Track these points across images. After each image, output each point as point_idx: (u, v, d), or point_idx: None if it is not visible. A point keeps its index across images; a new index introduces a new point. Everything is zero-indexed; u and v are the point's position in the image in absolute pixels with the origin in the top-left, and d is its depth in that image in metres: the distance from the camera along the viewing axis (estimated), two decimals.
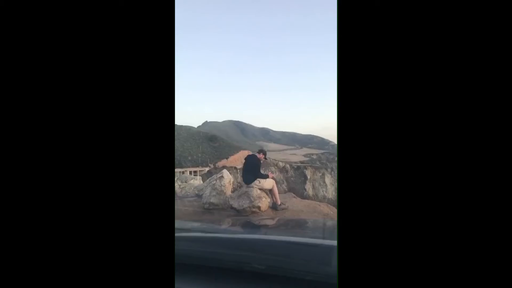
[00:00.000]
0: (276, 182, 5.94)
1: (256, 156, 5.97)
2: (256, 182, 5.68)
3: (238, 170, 41.84)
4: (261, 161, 5.90)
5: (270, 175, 5.99)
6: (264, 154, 6.01)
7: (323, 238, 1.41)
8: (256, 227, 1.84)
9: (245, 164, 5.93)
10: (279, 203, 5.69)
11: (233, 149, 74.62)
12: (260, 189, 5.77)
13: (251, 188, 5.73)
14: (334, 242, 0.93)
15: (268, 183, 5.71)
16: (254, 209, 5.39)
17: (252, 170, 5.72)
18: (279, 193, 5.80)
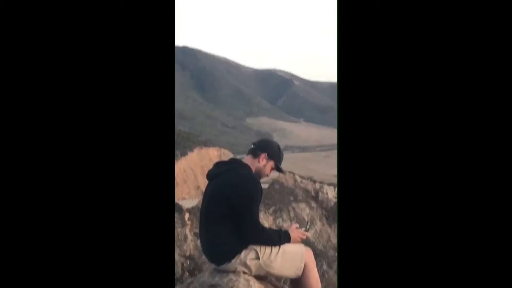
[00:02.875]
0: (315, 253, 3.36)
1: (245, 166, 3.20)
2: (248, 254, 3.04)
3: (191, 213, 28.77)
4: (261, 180, 3.21)
5: (297, 234, 3.20)
6: (274, 156, 3.26)
7: None
8: None
9: (208, 193, 3.19)
10: None
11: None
12: (257, 276, 3.12)
13: (229, 276, 3.02)
14: None
15: (287, 257, 3.08)
16: None
17: (232, 212, 3.02)
18: None
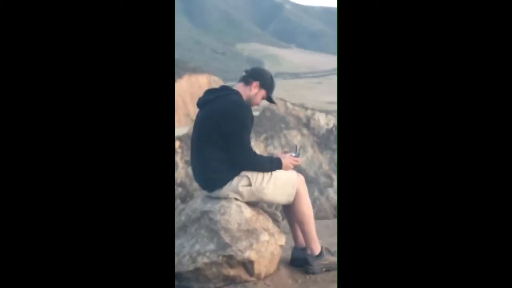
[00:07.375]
0: (306, 180, 3.22)
1: (236, 93, 3.15)
2: (240, 181, 3.08)
3: (181, 141, 29.75)
4: (251, 109, 3.10)
5: (288, 160, 3.18)
6: (266, 85, 3.21)
7: None
8: None
9: (198, 121, 3.15)
10: (316, 250, 3.23)
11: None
12: (250, 202, 3.18)
13: (221, 202, 3.08)
14: None
15: (279, 183, 3.13)
16: (232, 271, 2.95)
17: (223, 139, 3.02)
18: (317, 217, 3.27)
